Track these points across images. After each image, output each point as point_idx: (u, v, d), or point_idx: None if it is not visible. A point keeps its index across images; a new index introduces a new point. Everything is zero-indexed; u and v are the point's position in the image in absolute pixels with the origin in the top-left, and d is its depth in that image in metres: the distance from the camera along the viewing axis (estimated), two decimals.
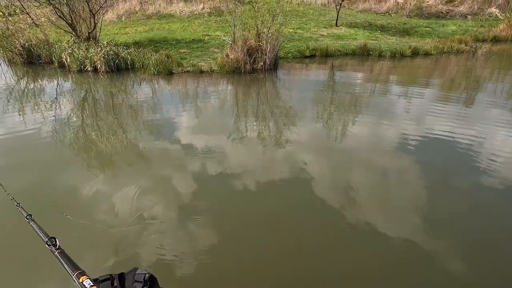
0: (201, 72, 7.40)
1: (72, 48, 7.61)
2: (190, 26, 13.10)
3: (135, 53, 7.84)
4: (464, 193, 2.82)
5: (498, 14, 15.06)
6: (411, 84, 6.69)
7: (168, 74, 7.24)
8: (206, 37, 10.99)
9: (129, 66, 7.62)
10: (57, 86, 6.88)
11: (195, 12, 15.42)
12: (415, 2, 16.95)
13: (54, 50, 7.96)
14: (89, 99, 5.93)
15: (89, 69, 7.35)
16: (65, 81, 7.19)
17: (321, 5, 17.97)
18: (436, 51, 9.33)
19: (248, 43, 7.19)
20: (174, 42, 10.30)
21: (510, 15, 12.45)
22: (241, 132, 4.27)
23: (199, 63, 7.87)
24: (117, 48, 7.76)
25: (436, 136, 3.99)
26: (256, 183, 2.99)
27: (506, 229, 2.37)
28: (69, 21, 8.44)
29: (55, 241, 1.03)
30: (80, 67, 7.41)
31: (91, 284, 0.75)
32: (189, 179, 3.06)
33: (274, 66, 7.70)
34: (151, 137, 4.08)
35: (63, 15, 8.30)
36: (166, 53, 7.90)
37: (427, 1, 17.13)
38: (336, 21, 13.78)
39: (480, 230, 2.39)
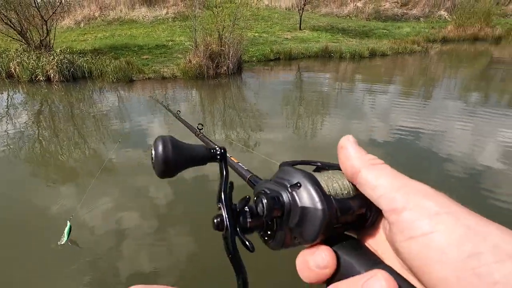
0: (164, 78, 7.25)
1: (21, 57, 7.14)
2: (154, 32, 12.83)
3: (93, 60, 7.52)
4: (430, 181, 2.98)
5: (447, 17, 16.29)
6: (373, 83, 7.01)
7: (128, 81, 7.00)
8: (170, 43, 10.81)
9: (86, 75, 7.28)
10: (7, 98, 6.40)
11: (159, 17, 15.11)
12: (373, 5, 17.85)
13: (1, 59, 7.42)
14: (45, 111, 5.57)
15: (41, 78, 6.93)
16: (15, 93, 6.71)
17: (286, 9, 18.37)
18: (392, 52, 9.89)
19: (210, 48, 7.16)
20: (136, 48, 10.02)
21: (456, 17, 13.49)
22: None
23: (162, 69, 7.70)
24: (72, 56, 7.40)
25: (399, 129, 4.23)
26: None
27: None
28: (18, 29, 7.92)
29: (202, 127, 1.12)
30: (31, 77, 6.96)
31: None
32: (162, 189, 2.97)
33: (238, 70, 7.73)
34: (115, 147, 3.91)
35: (11, 22, 7.78)
36: (127, 60, 7.66)
37: (384, 5, 18.12)
38: (300, 25, 14.15)
39: None
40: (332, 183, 0.26)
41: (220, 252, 0.26)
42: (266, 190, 0.28)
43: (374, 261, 0.24)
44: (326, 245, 0.25)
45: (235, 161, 0.55)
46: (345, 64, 9.01)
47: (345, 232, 0.27)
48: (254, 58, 9.46)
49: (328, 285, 0.24)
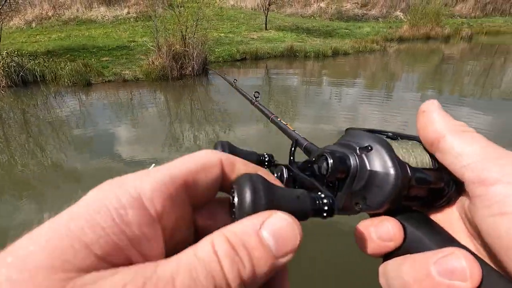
0: (125, 81, 6.95)
1: None
2: (114, 32, 12.28)
3: (45, 63, 7.02)
4: None
5: (402, 17, 17.31)
6: (339, 80, 7.24)
7: (85, 85, 6.62)
8: (132, 44, 10.41)
9: (38, 79, 6.78)
10: None
11: (119, 17, 14.50)
12: (335, 6, 18.49)
13: None
14: None
15: None
16: None
17: (252, 9, 18.46)
18: (353, 51, 10.31)
19: (173, 48, 6.99)
20: (94, 50, 9.52)
21: (410, 17, 14.39)
22: (177, 140, 4.13)
23: (123, 71, 7.39)
24: (22, 59, 6.85)
25: (366, 122, 4.38)
26: None
27: None
28: None
29: (259, 95, 1.09)
30: None
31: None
32: None
33: (204, 71, 7.63)
34: (77, 155, 3.66)
35: None
36: (84, 62, 7.25)
37: (345, 5, 18.84)
38: (266, 25, 14.29)
39: None
40: (408, 150, 0.24)
41: None
42: (331, 150, 0.25)
43: (448, 239, 0.21)
44: (391, 216, 0.23)
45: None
46: (310, 63, 9.24)
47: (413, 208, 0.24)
48: (221, 59, 9.39)
49: (387, 259, 0.22)
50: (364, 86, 6.90)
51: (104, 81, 6.92)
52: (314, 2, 19.50)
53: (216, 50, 9.97)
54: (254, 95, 1.17)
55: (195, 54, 7.15)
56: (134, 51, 9.44)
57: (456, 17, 17.31)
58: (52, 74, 6.81)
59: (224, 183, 0.20)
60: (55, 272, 0.12)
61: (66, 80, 6.55)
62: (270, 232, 0.16)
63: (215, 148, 0.26)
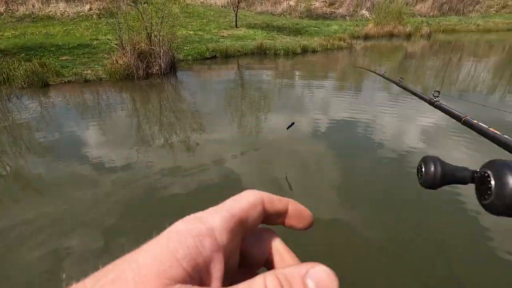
0: (86, 81, 6.59)
1: None
2: (75, 30, 11.60)
3: None
4: (366, 164, 3.27)
5: (368, 16, 17.97)
6: (310, 76, 7.36)
7: (42, 86, 6.19)
8: (95, 42, 9.89)
9: None
10: None
11: (81, 14, 13.72)
12: (304, 4, 18.78)
13: None
14: None
15: None
16: None
17: (222, 6, 18.26)
18: (322, 48, 10.54)
19: (138, 47, 6.73)
20: (53, 49, 8.93)
21: (375, 16, 14.96)
22: (146, 142, 3.97)
23: (84, 71, 7.00)
24: None
25: (336, 116, 4.53)
26: (182, 189, 2.81)
27: (403, 189, 2.82)
28: None
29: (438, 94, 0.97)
30: None
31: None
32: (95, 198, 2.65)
33: (172, 70, 7.42)
34: (37, 161, 3.39)
35: None
36: (40, 62, 6.77)
37: (314, 4, 19.20)
38: (236, 23, 14.20)
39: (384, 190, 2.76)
40: None
41: None
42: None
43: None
44: None
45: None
46: (280, 60, 9.31)
47: None
48: (190, 57, 9.20)
49: None
50: (333, 82, 7.07)
51: (63, 81, 6.51)
52: (284, 0, 19.68)
53: (185, 48, 9.75)
54: (433, 94, 1.01)
55: (162, 52, 6.93)
56: (97, 50, 8.98)
57: (416, 16, 18.27)
58: (4, 75, 6.30)
59: (265, 217, 0.24)
60: (160, 278, 0.17)
61: (20, 81, 6.08)
62: (314, 279, 0.19)
63: (424, 163, 0.32)
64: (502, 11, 19.11)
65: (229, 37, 12.07)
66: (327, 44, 10.82)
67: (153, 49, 6.93)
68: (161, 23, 6.84)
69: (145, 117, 5.00)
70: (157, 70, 7.00)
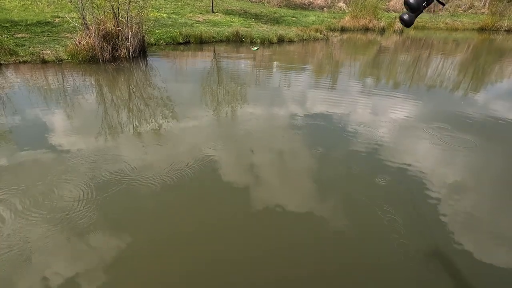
0: (45, 62, 6.06)
1: None
2: (35, 5, 10.62)
3: None
4: (341, 158, 3.25)
5: (345, 8, 18.11)
6: (287, 68, 7.26)
7: None
8: (57, 20, 9.13)
9: None
10: None
11: None
12: None
13: None
14: None
15: None
16: None
17: None
18: (298, 38, 10.47)
19: (103, 27, 6.27)
20: (8, 25, 8.12)
21: (352, 9, 15.09)
22: (113, 128, 3.72)
23: (43, 51, 6.43)
24: None
25: (314, 112, 4.49)
26: (156, 181, 2.65)
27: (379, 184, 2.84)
28: None
29: None
30: None
31: None
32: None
33: (141, 54, 7.03)
34: None
35: None
36: None
37: None
38: (212, 8, 13.72)
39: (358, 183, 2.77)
40: None
41: None
42: None
43: None
44: None
45: None
46: (256, 49, 9.14)
47: None
48: (162, 41, 8.77)
49: None
50: (310, 72, 7.05)
51: (17, 61, 5.94)
52: None
53: (157, 31, 9.27)
54: None
55: (130, 34, 6.51)
56: (59, 29, 8.30)
57: (390, 11, 18.69)
58: None
59: None
60: None
61: None
62: None
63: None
64: (468, 11, 20.06)
65: (204, 22, 11.64)
66: (304, 35, 10.76)
67: (121, 31, 6.49)
68: (129, 2, 6.39)
69: (112, 103, 4.70)
70: (125, 53, 6.58)
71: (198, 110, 4.44)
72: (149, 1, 7.01)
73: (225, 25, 11.61)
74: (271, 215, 2.44)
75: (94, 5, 6.43)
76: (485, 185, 3.00)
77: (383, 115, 4.60)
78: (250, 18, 13.85)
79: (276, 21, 13.88)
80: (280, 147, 3.51)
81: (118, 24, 6.46)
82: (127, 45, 6.55)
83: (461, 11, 20.24)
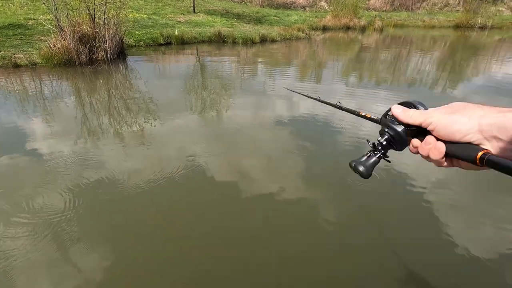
0: (17, 66, 5.80)
1: None
2: (6, 7, 10.19)
3: None
4: (328, 151, 3.27)
5: (327, 7, 18.33)
6: (270, 67, 7.24)
7: None
8: (30, 22, 8.78)
9: None
10: None
11: None
12: None
13: None
14: None
15: None
16: None
17: None
18: (280, 38, 10.49)
19: (79, 29, 6.06)
20: None
21: (333, 8, 15.29)
22: (93, 133, 3.59)
23: (15, 55, 6.16)
24: None
25: (299, 107, 4.54)
26: (137, 185, 2.53)
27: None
28: None
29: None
30: None
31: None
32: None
33: (120, 56, 6.84)
34: None
35: None
36: None
37: None
38: (194, 8, 13.57)
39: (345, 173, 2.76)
40: None
41: None
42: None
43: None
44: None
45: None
46: (238, 48, 9.09)
47: None
48: (142, 43, 8.58)
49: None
50: (293, 72, 7.06)
51: None
52: None
53: (137, 33, 9.08)
54: (358, 112, 1.24)
55: (107, 36, 6.32)
56: (32, 31, 7.98)
57: (370, 10, 19.06)
58: None
59: None
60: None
61: None
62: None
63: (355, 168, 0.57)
64: (444, 9, 20.74)
65: (186, 23, 11.49)
66: (286, 34, 10.80)
67: (98, 32, 6.29)
68: (105, 3, 6.20)
69: (91, 107, 4.54)
70: (103, 55, 6.39)
71: (181, 112, 4.36)
72: (127, 2, 6.83)
73: (207, 25, 11.51)
74: (265, 225, 2.41)
75: (69, 7, 6.22)
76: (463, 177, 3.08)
77: (364, 110, 4.67)
78: (233, 18, 13.79)
79: (258, 20, 13.88)
80: (267, 145, 3.49)
81: (94, 26, 6.26)
82: (104, 47, 6.36)
83: (437, 9, 20.88)
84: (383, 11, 19.57)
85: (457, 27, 17.53)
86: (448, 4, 21.23)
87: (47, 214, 2.32)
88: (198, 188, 2.74)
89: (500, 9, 21.57)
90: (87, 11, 6.21)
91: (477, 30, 17.12)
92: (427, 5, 20.83)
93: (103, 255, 2.01)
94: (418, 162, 3.28)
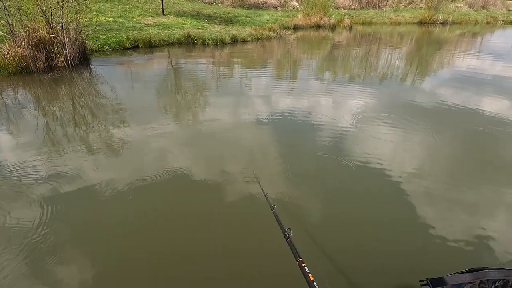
0: None
1: None
2: None
3: None
4: (309, 145, 3.28)
5: (298, 7, 18.51)
6: (247, 67, 7.10)
7: None
8: None
9: None
10: None
11: None
12: None
13: None
14: None
15: None
16: None
17: None
18: (251, 38, 10.42)
19: (34, 35, 5.64)
20: None
21: (304, 7, 15.45)
22: (58, 144, 3.31)
23: None
24: None
25: (278, 108, 4.51)
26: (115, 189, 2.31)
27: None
28: None
29: (290, 231, 1.31)
30: None
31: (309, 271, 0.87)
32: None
33: (83, 61, 6.45)
34: None
35: None
36: None
37: None
38: (162, 10, 13.20)
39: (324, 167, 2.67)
40: None
41: None
42: None
43: None
44: None
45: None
46: (209, 50, 8.90)
47: None
48: (107, 47, 8.18)
49: None
50: (269, 72, 6.99)
51: None
52: None
53: (102, 37, 8.65)
54: (287, 230, 1.36)
55: (67, 41, 5.93)
56: None
57: (340, 8, 19.48)
58: None
59: None
60: None
61: None
62: None
63: None
64: (409, 6, 21.62)
65: (154, 25, 11.13)
66: (257, 34, 10.74)
67: (56, 38, 5.89)
68: (62, 7, 5.81)
69: (53, 116, 4.22)
70: (63, 61, 5.99)
71: (149, 116, 4.15)
72: (86, 5, 6.44)
73: (177, 27, 11.21)
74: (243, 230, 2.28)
75: (22, 11, 5.77)
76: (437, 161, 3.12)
77: (340, 105, 4.71)
78: (203, 19, 13.55)
79: (230, 21, 13.74)
80: (242, 147, 3.37)
81: (52, 31, 5.85)
82: (64, 53, 5.96)
83: (402, 7, 21.73)
84: (352, 9, 20.07)
85: (421, 23, 18.32)
86: (412, 1, 22.16)
87: (17, 229, 2.07)
88: (172, 196, 2.59)
89: (459, 5, 22.81)
90: (43, 16, 5.79)
91: (439, 26, 17.98)
92: (393, 2, 21.62)
93: (77, 266, 1.81)
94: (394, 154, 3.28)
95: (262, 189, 2.08)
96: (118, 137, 3.58)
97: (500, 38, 14.46)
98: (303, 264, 0.97)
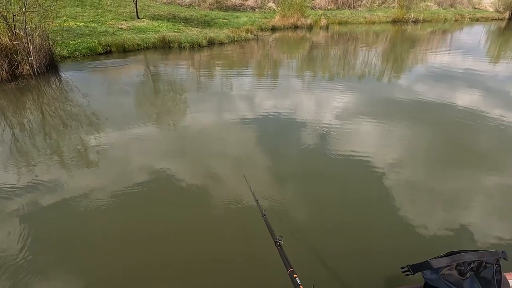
0: None
1: None
2: None
3: None
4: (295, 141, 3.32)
5: (275, 8, 18.59)
6: (225, 69, 6.97)
7: None
8: None
9: None
10: None
11: None
12: None
13: None
14: None
15: None
16: None
17: None
18: (229, 40, 10.32)
19: None
20: None
21: (281, 8, 15.51)
22: (28, 155, 3.08)
23: None
24: None
25: (262, 110, 4.45)
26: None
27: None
28: None
29: (281, 239, 1.27)
30: None
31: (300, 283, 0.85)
32: None
33: (50, 69, 6.12)
34: None
35: None
36: None
37: None
38: (137, 13, 12.85)
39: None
40: None
41: None
42: None
43: None
44: None
45: None
46: (185, 53, 8.72)
47: None
48: (78, 53, 7.83)
49: None
50: (248, 73, 6.90)
51: None
52: None
53: (72, 42, 8.28)
54: (278, 238, 1.34)
55: (31, 48, 5.60)
56: None
57: (316, 9, 19.75)
58: None
59: None
60: None
61: None
62: None
63: None
64: (382, 5, 22.23)
65: (128, 29, 10.80)
66: (234, 36, 10.65)
67: (19, 45, 5.55)
68: (25, 12, 5.48)
69: (20, 127, 3.96)
70: (28, 69, 5.65)
71: (125, 123, 3.97)
72: (52, 10, 6.11)
73: (152, 31, 10.94)
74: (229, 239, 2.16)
75: None
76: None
77: (322, 104, 4.73)
78: (180, 22, 13.31)
79: (207, 24, 13.57)
80: (222, 149, 3.26)
81: (15, 38, 5.51)
82: (29, 61, 5.62)
83: (376, 6, 22.32)
84: (328, 10, 20.40)
85: (394, 21, 18.87)
86: (385, 1, 22.81)
87: None
88: (156, 205, 2.47)
89: (429, 4, 23.71)
90: (4, 21, 5.44)
91: (411, 24, 18.60)
92: (367, 2, 22.16)
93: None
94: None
95: (253, 194, 1.99)
96: (93, 146, 3.39)
97: (468, 35, 15.12)
98: (294, 275, 0.89)
